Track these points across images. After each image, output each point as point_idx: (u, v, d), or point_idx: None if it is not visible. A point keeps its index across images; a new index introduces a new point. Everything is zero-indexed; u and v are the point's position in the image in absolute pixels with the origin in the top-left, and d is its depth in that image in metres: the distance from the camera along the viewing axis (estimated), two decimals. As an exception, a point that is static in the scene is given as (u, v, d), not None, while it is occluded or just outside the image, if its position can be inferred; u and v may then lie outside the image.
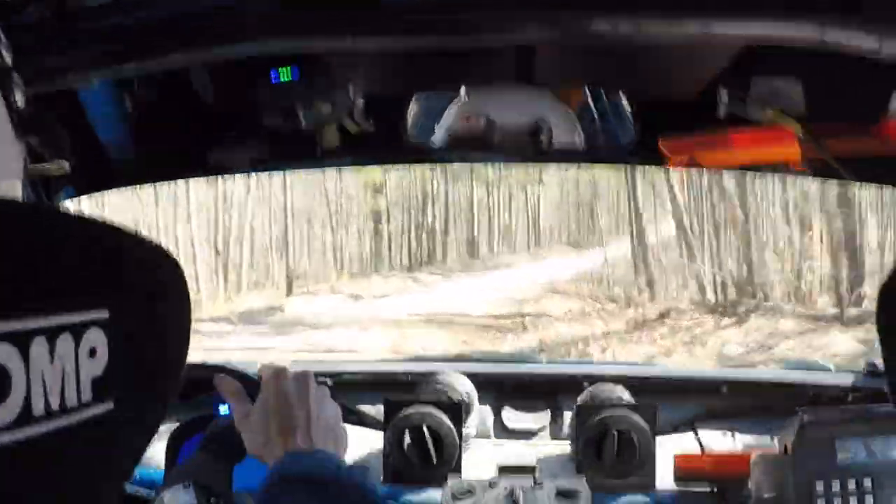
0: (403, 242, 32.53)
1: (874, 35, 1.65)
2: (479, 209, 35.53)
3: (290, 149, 2.54)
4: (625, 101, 2.51)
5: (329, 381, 3.39)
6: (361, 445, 3.16)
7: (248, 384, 2.15)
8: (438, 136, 2.56)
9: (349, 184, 29.80)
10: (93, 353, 0.87)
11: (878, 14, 1.64)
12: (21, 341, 0.78)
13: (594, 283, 26.94)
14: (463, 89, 2.54)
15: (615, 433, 2.87)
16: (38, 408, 0.80)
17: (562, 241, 37.15)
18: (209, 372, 2.32)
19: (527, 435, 3.35)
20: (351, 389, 3.45)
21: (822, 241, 21.12)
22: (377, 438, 3.07)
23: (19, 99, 1.42)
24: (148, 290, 0.99)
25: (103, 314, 0.89)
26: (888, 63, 1.70)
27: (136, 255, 0.99)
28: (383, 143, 2.59)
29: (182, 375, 1.05)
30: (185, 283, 1.04)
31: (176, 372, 1.04)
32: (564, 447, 3.17)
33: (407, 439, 2.89)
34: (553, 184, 36.49)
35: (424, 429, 2.88)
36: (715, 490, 2.88)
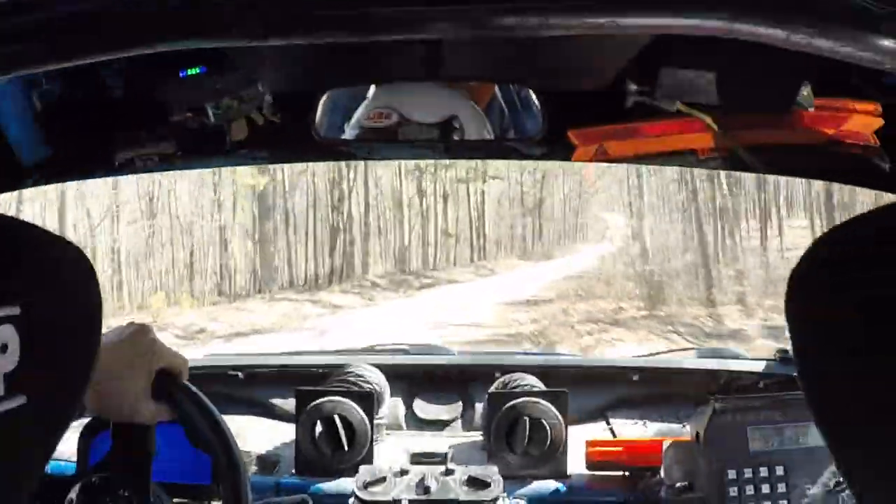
0: (301, 252, 30.80)
1: (782, 24, 1.67)
2: (412, 211, 34.50)
3: (199, 145, 2.52)
4: (533, 95, 2.51)
5: (240, 375, 3.38)
6: (273, 438, 3.15)
7: None
8: (349, 132, 2.56)
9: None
10: (4, 348, 0.88)
11: (786, 3, 1.66)
12: None
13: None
14: (373, 86, 2.54)
15: (526, 420, 2.88)
16: None
17: (513, 252, 36.99)
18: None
19: (439, 425, 3.36)
20: (263, 382, 3.43)
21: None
22: (289, 431, 3.06)
23: None
24: (58, 285, 0.99)
25: (14, 310, 0.89)
26: (796, 52, 1.71)
27: (46, 251, 0.99)
28: (293, 139, 2.58)
29: (93, 368, 1.04)
30: (95, 278, 1.04)
31: (87, 366, 1.03)
32: (476, 437, 3.18)
33: (319, 430, 2.88)
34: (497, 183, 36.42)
35: (336, 419, 2.88)
36: (627, 476, 2.90)
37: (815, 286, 0.99)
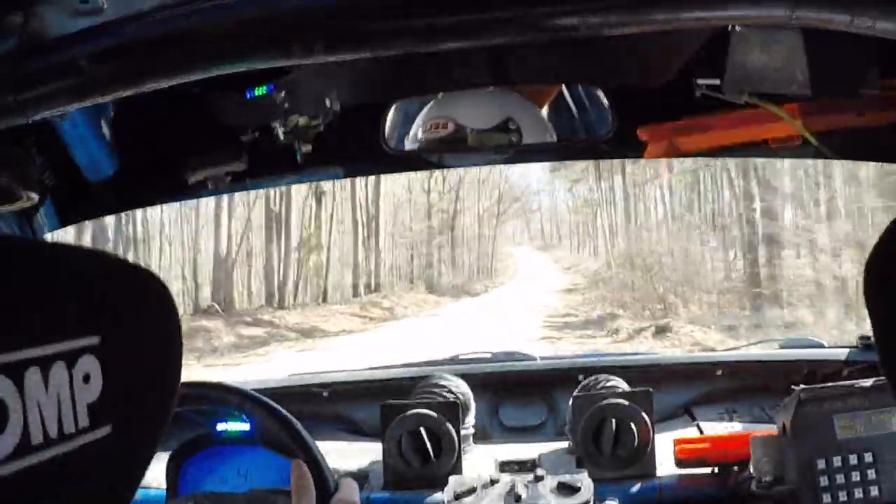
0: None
1: (845, 10, 1.66)
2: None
3: (269, 163, 2.54)
4: (601, 94, 2.51)
5: (325, 393, 3.40)
6: (361, 453, 3.16)
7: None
8: (409, 143, 2.57)
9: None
10: (87, 378, 0.88)
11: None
12: (15, 372, 0.78)
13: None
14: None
15: (612, 422, 2.88)
16: (36, 437, 0.80)
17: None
18: (203, 390, 2.32)
19: (526, 431, 3.37)
20: (348, 398, 3.45)
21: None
22: (375, 447, 3.08)
23: None
24: (136, 313, 1.00)
25: (94, 340, 0.90)
26: (862, 37, 1.70)
27: (121, 278, 1.00)
28: (363, 152, 2.60)
29: (176, 395, 1.05)
30: (172, 303, 1.05)
31: (170, 391, 1.05)
32: (564, 441, 3.17)
33: (405, 443, 2.89)
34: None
35: (422, 431, 2.89)
36: (716, 472, 2.88)
37: (893, 271, 0.98)
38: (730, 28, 2.09)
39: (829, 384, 2.73)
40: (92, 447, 0.89)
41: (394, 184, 35.47)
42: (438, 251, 38.88)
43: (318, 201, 33.10)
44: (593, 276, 37.68)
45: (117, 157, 2.38)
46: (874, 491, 2.56)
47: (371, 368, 3.90)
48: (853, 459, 2.57)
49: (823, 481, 2.57)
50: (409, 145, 2.58)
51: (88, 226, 22.45)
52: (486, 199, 46.69)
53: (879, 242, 0.98)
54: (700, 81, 2.26)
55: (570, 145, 2.73)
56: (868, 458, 2.57)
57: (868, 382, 2.65)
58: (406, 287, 36.54)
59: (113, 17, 1.68)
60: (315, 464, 2.15)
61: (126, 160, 2.39)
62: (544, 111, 2.66)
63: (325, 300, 32.10)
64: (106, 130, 2.34)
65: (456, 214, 40.09)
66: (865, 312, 0.99)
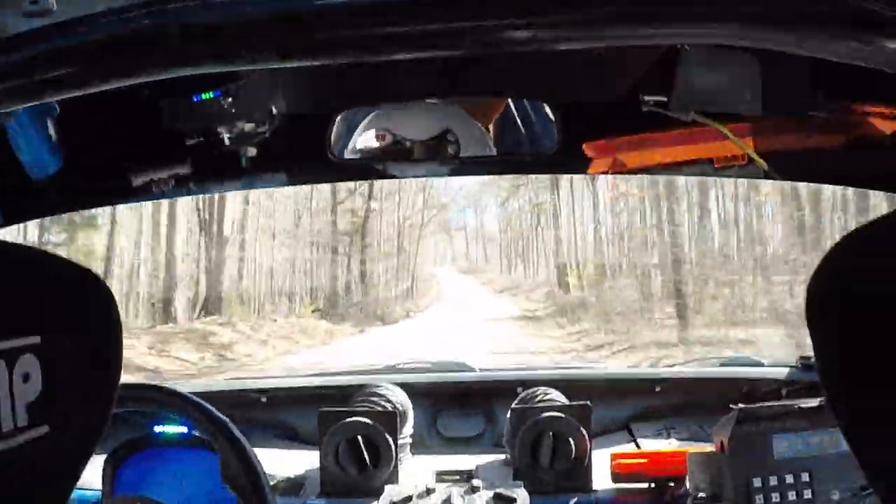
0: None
1: (794, 31, 1.67)
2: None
3: (214, 168, 2.53)
4: (547, 108, 2.51)
5: (263, 398, 3.39)
6: (298, 460, 3.15)
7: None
8: (351, 152, 2.56)
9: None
10: (26, 378, 0.88)
11: (795, 8, 1.66)
12: None
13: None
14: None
15: (550, 435, 2.88)
16: None
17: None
18: (141, 391, 2.31)
19: (463, 442, 3.37)
20: (286, 404, 3.44)
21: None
22: (312, 454, 3.07)
23: None
24: (78, 313, 0.99)
25: (35, 340, 0.89)
26: (811, 59, 1.71)
27: (65, 279, 0.99)
28: (308, 160, 2.59)
29: (116, 395, 1.05)
30: (114, 305, 1.04)
31: (110, 392, 1.04)
32: (501, 453, 3.17)
33: (343, 451, 2.88)
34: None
35: (360, 440, 2.88)
36: (653, 488, 2.89)
37: (835, 292, 0.99)
38: (679, 46, 2.10)
39: (768, 403, 2.75)
40: (30, 446, 0.89)
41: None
42: (347, 261, 32.52)
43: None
44: (548, 299, 34.23)
45: (62, 157, 2.36)
46: (810, 511, 2.59)
47: (310, 375, 3.89)
48: (789, 479, 2.59)
49: (759, 500, 2.59)
50: (352, 154, 2.57)
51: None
52: (406, 207, 43.07)
53: (822, 263, 0.98)
54: (647, 98, 2.27)
55: (515, 159, 2.74)
56: (805, 477, 2.59)
57: (807, 403, 2.67)
58: (285, 309, 28.98)
59: (62, 18, 1.67)
60: (252, 472, 2.14)
61: (71, 161, 2.37)
62: (492, 124, 2.67)
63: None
64: (52, 130, 2.31)
65: (368, 217, 34.49)
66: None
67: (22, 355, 0.87)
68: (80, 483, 1.03)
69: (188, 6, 1.66)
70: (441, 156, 2.53)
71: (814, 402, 2.67)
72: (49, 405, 0.91)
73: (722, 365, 3.78)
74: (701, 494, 2.67)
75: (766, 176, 2.46)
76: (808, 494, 2.59)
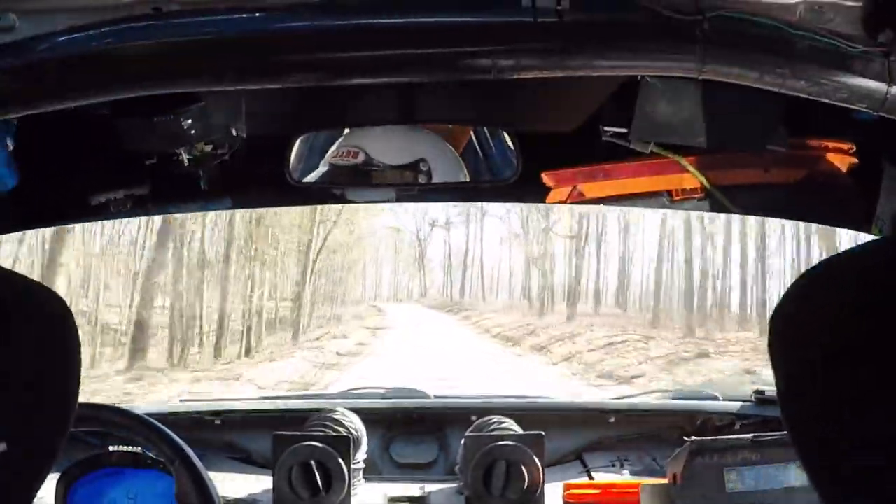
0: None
1: (754, 66, 1.68)
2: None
3: (173, 189, 2.52)
4: (507, 137, 2.52)
5: (217, 420, 3.37)
6: (251, 483, 3.13)
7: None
8: (318, 174, 2.56)
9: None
10: None
11: (757, 44, 1.67)
12: None
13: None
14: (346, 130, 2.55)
15: (503, 464, 2.87)
16: None
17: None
18: (94, 411, 2.29)
19: (416, 469, 3.36)
20: (240, 427, 3.42)
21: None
22: (265, 477, 3.04)
23: None
24: (36, 330, 0.98)
25: None
26: (770, 92, 1.73)
27: (25, 297, 0.98)
28: (267, 183, 2.58)
29: (73, 414, 1.04)
30: (72, 323, 1.04)
31: (67, 411, 1.03)
32: (454, 481, 3.17)
33: (296, 475, 2.86)
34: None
35: (313, 464, 2.86)
36: (604, 520, 2.89)
37: (798, 325, 0.99)
38: (639, 78, 2.11)
39: (721, 437, 2.76)
40: None
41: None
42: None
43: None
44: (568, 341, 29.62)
45: (19, 174, 2.34)
46: (761, 546, 2.59)
47: (264, 398, 3.87)
48: (742, 512, 2.59)
49: (711, 533, 2.59)
50: (320, 176, 2.57)
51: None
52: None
53: (786, 295, 0.99)
54: (607, 129, 2.28)
55: (474, 187, 2.74)
56: (757, 512, 2.59)
57: (760, 436, 2.67)
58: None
59: (23, 35, 1.67)
60: (205, 494, 2.13)
61: (28, 177, 2.36)
62: (460, 152, 2.67)
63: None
64: (9, 146, 2.30)
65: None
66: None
67: None
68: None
69: (149, 26, 1.66)
70: (405, 182, 2.53)
71: (766, 436, 2.68)
72: (6, 423, 0.90)
73: (676, 397, 3.79)
74: (654, 526, 2.68)
75: (724, 209, 2.48)
76: (760, 529, 2.60)
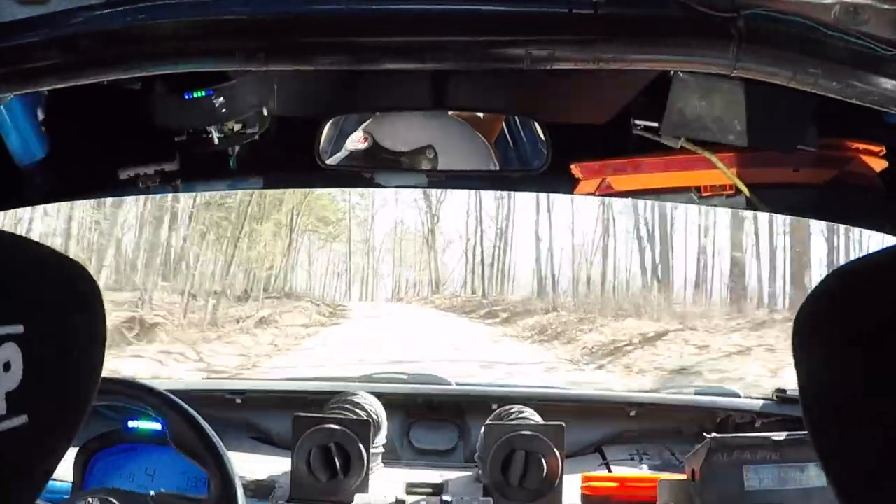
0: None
1: (788, 65, 1.68)
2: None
3: (202, 167, 2.52)
4: (538, 127, 2.51)
5: (238, 399, 3.38)
6: (270, 463, 3.14)
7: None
8: (348, 157, 2.56)
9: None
10: (7, 367, 0.88)
11: (792, 43, 1.67)
12: None
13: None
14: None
15: (522, 454, 2.87)
16: None
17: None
18: (117, 386, 2.30)
19: (435, 455, 3.36)
20: (261, 407, 3.43)
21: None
22: (284, 458, 3.06)
23: None
24: (62, 304, 0.99)
25: (18, 329, 0.89)
26: (803, 92, 1.72)
27: (50, 269, 0.99)
28: (296, 164, 2.58)
29: (96, 389, 1.04)
30: (99, 296, 1.04)
31: (91, 385, 1.04)
32: (473, 469, 3.17)
33: (315, 457, 2.86)
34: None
35: (332, 446, 2.87)
36: (622, 513, 2.89)
37: (822, 326, 0.99)
38: (672, 73, 2.10)
39: (741, 434, 2.75)
40: (8, 435, 0.89)
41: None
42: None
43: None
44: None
45: (51, 146, 2.35)
46: (778, 544, 2.58)
47: (286, 379, 3.87)
48: (760, 510, 2.58)
49: (727, 530, 2.58)
50: (340, 161, 2.57)
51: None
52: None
53: (812, 295, 0.98)
54: (638, 122, 2.27)
55: (502, 175, 2.73)
56: (775, 510, 2.58)
57: (780, 436, 2.66)
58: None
59: (59, 8, 1.67)
60: (225, 477, 2.14)
61: (59, 151, 2.37)
62: (491, 140, 2.66)
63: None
64: (41, 119, 2.31)
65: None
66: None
67: (4, 344, 0.87)
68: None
69: (182, 3, 1.66)
70: (428, 168, 2.53)
71: (786, 436, 2.67)
72: (29, 395, 0.90)
73: (697, 393, 3.77)
74: (670, 522, 2.67)
75: (752, 207, 2.47)
76: (777, 527, 2.59)
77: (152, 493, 2.25)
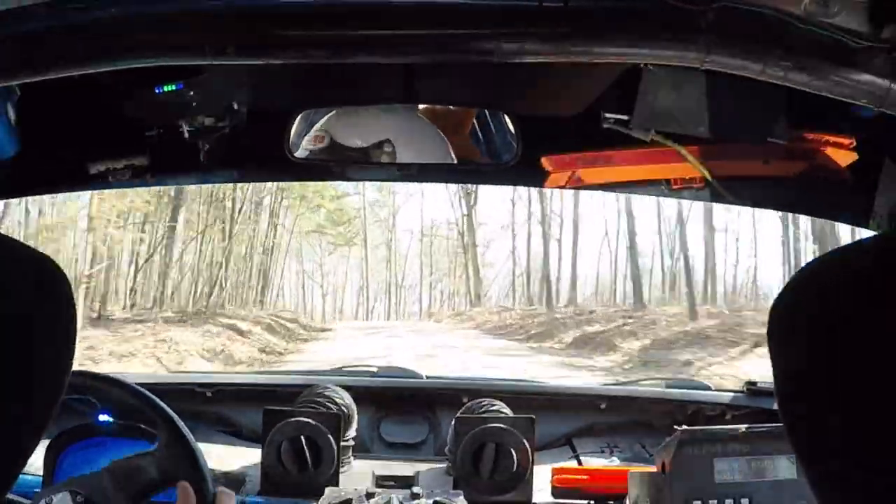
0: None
1: (758, 57, 1.68)
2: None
3: (172, 161, 2.52)
4: (508, 120, 2.51)
5: (208, 392, 3.37)
6: (240, 456, 3.14)
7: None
8: (318, 150, 2.55)
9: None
10: None
11: (761, 35, 1.67)
12: None
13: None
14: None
15: (492, 446, 2.88)
16: None
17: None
18: (88, 380, 2.29)
19: (406, 448, 3.36)
20: (231, 400, 3.42)
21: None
22: (254, 451, 3.06)
23: None
24: (31, 297, 0.98)
25: None
26: (773, 85, 1.73)
27: (20, 263, 0.98)
28: (267, 158, 2.58)
29: (67, 381, 1.04)
30: (69, 289, 1.03)
31: (61, 378, 1.03)
32: (443, 462, 3.17)
33: (285, 450, 2.86)
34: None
35: (303, 439, 2.87)
36: (592, 504, 2.89)
37: (796, 318, 0.99)
38: (642, 66, 2.11)
39: (711, 427, 2.76)
40: None
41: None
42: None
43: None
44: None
45: (20, 140, 2.34)
46: (748, 536, 2.59)
47: (256, 372, 3.88)
48: (729, 503, 2.59)
49: (698, 522, 2.59)
50: (310, 154, 2.56)
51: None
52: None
53: (785, 289, 0.99)
54: (608, 115, 2.28)
55: (473, 168, 2.73)
56: (745, 503, 2.59)
57: (750, 428, 2.67)
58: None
59: (27, 2, 1.67)
60: (196, 469, 2.13)
61: (30, 145, 2.36)
62: (463, 133, 2.67)
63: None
64: (11, 113, 2.30)
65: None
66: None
67: None
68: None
69: None
70: (399, 161, 2.53)
71: (757, 428, 2.68)
72: None
73: (668, 386, 3.78)
74: (641, 514, 2.68)
75: (722, 199, 2.48)
76: (747, 519, 2.59)
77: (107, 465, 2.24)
